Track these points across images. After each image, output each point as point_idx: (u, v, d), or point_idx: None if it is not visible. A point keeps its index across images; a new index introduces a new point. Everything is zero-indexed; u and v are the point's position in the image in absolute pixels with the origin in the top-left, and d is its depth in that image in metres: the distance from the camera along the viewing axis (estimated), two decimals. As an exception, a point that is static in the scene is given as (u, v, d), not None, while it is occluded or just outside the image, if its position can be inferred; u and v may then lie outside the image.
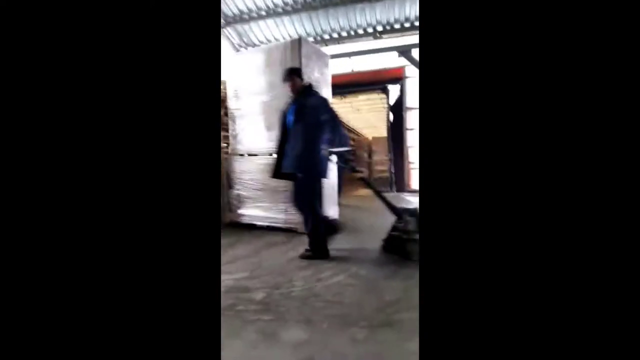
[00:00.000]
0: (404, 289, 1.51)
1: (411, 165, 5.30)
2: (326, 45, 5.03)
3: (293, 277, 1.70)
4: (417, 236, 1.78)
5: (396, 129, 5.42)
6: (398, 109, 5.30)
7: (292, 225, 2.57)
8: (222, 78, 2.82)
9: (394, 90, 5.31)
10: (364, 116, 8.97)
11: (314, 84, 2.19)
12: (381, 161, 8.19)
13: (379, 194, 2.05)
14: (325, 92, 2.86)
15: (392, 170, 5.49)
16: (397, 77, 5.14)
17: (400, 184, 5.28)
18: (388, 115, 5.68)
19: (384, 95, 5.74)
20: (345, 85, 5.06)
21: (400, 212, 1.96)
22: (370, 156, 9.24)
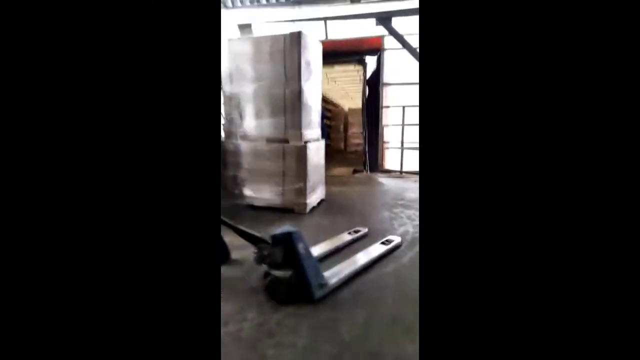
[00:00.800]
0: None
1: (386, 145, 5.00)
2: (300, 6, 4.54)
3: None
4: (283, 272, 1.35)
5: (372, 105, 4.98)
6: (374, 83, 4.90)
7: (288, 206, 2.69)
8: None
9: (371, 62, 4.95)
10: (340, 86, 8.80)
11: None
12: (357, 134, 7.95)
13: (234, 228, 1.47)
14: (317, 77, 2.99)
15: (366, 149, 5.07)
16: (375, 47, 4.82)
17: (373, 163, 4.97)
18: (364, 89, 5.22)
19: (360, 67, 5.38)
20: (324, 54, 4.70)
21: (258, 241, 1.43)
22: (346, 129, 9.07)
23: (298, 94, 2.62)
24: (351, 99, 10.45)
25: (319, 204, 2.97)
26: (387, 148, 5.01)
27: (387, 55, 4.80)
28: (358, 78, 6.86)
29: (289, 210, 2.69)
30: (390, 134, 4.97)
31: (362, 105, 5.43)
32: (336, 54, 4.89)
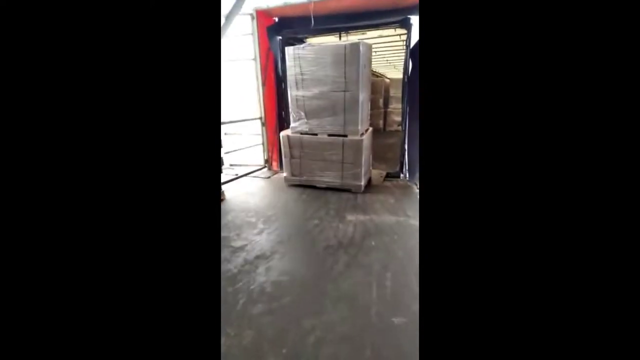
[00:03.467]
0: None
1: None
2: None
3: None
4: None
5: (415, 86, 3.44)
6: (417, 53, 3.35)
7: (346, 187, 3.46)
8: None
9: (415, 29, 3.34)
10: (380, 55, 6.80)
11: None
12: (399, 111, 5.39)
13: None
14: (368, 75, 3.50)
15: (405, 146, 3.71)
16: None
17: (414, 166, 3.63)
18: (406, 63, 3.55)
19: (404, 31, 3.70)
20: (348, 17, 3.50)
21: None
22: (386, 104, 7.64)
23: (356, 96, 3.21)
24: (394, 68, 9.00)
25: (367, 184, 3.70)
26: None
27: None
28: (402, 45, 4.93)
29: (347, 190, 3.47)
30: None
31: (403, 86, 3.81)
32: (369, 13, 3.49)
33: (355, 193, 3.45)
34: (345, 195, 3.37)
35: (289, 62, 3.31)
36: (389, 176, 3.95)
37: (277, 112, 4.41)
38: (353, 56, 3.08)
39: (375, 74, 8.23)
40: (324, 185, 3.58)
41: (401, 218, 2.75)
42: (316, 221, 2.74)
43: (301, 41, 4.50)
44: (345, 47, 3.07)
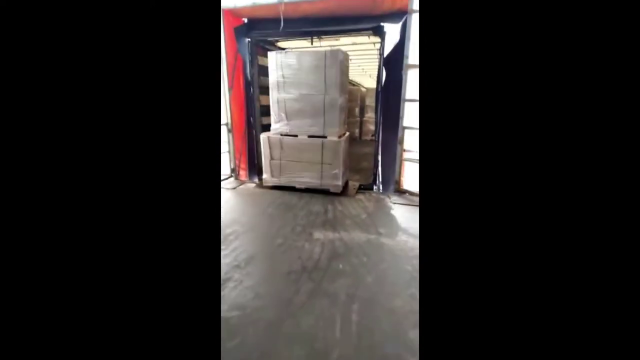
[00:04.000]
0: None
1: (405, 155, 3.34)
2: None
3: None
4: None
5: (389, 95, 3.25)
6: (395, 64, 3.13)
7: (325, 187, 3.52)
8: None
9: (392, 33, 3.12)
10: (356, 63, 6.78)
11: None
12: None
13: None
14: (346, 80, 3.69)
15: (379, 158, 3.53)
16: (398, 10, 3.06)
17: (388, 178, 3.48)
18: (379, 73, 3.34)
19: (377, 39, 3.57)
20: (321, 21, 3.37)
21: None
22: (362, 113, 7.91)
23: (335, 99, 3.24)
24: (370, 77, 9.20)
25: (345, 185, 3.70)
26: (408, 160, 3.39)
27: (416, 23, 2.95)
28: (375, 55, 4.92)
29: (325, 191, 3.48)
30: (412, 140, 3.27)
31: (376, 95, 3.58)
32: (342, 19, 3.30)
33: (334, 193, 3.50)
34: (315, 208, 3.16)
35: (271, 66, 3.37)
36: (362, 188, 3.81)
37: (246, 118, 4.12)
38: (333, 62, 3.17)
39: (351, 83, 8.34)
40: (303, 186, 3.58)
41: (372, 236, 2.56)
42: (280, 240, 2.49)
43: (272, 44, 4.36)
44: (325, 53, 3.19)
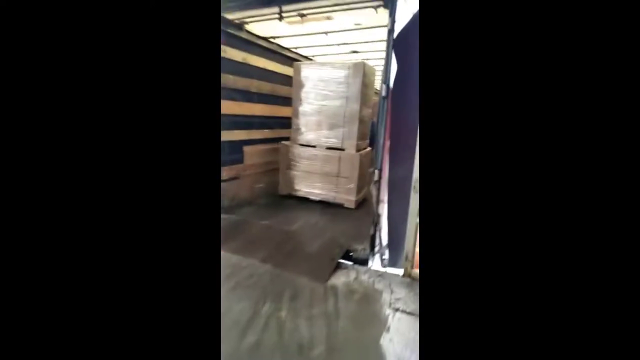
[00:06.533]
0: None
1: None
2: None
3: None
4: None
5: (400, 103, 1.92)
6: (406, 48, 1.89)
7: (339, 202, 3.47)
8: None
9: (404, 5, 1.91)
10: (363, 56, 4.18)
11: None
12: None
13: None
14: (371, 93, 3.64)
15: (381, 211, 2.09)
16: None
17: (396, 248, 1.95)
18: (387, 65, 1.98)
19: (385, 11, 2.25)
20: None
21: None
22: None
23: (356, 112, 3.34)
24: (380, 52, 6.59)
25: (362, 201, 3.70)
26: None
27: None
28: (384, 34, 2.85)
29: (339, 205, 3.47)
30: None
31: (380, 104, 2.09)
32: None
33: (348, 209, 3.46)
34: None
35: (295, 78, 3.49)
36: (350, 258, 2.17)
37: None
38: (356, 76, 3.26)
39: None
40: (317, 198, 3.59)
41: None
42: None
43: (238, 27, 3.09)
44: (349, 66, 3.28)
